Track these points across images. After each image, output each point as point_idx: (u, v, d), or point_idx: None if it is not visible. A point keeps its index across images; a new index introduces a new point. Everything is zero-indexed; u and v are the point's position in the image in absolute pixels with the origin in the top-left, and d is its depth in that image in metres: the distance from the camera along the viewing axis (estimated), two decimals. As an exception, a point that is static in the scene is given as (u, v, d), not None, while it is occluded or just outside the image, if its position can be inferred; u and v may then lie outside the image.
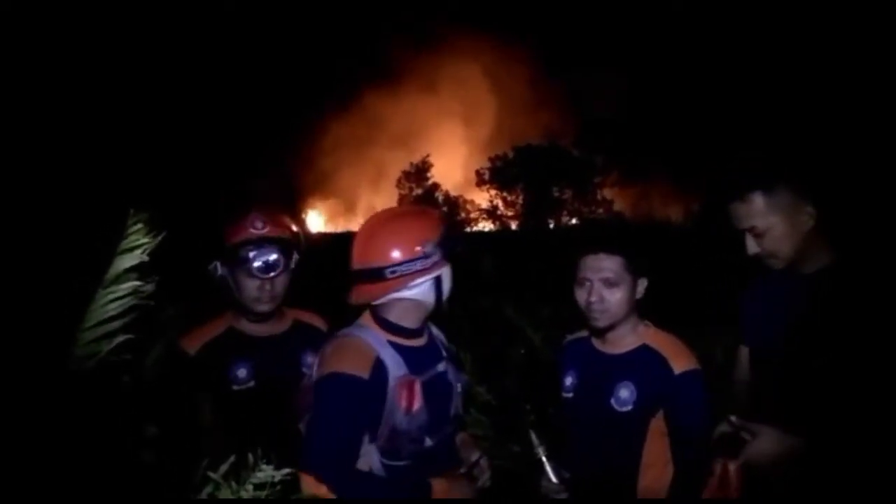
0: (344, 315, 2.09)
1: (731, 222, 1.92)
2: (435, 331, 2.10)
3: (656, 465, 2.06)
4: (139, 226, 1.42)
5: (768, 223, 1.83)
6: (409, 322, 1.93)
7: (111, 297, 1.36)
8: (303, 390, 1.93)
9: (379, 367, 1.82)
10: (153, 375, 2.22)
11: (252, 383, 2.15)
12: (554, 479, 2.02)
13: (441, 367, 1.97)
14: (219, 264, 2.17)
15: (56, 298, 1.35)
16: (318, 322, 2.38)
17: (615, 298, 2.04)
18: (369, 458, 1.82)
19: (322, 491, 1.68)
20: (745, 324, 2.12)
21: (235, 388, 2.14)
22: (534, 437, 2.06)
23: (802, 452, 1.72)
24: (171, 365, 2.15)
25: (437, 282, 1.90)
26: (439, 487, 1.83)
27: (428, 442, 1.88)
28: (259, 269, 2.11)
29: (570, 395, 2.19)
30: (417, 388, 1.84)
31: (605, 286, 2.03)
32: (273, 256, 2.12)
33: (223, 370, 2.14)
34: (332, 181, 40.33)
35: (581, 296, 2.09)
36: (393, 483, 1.84)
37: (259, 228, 2.14)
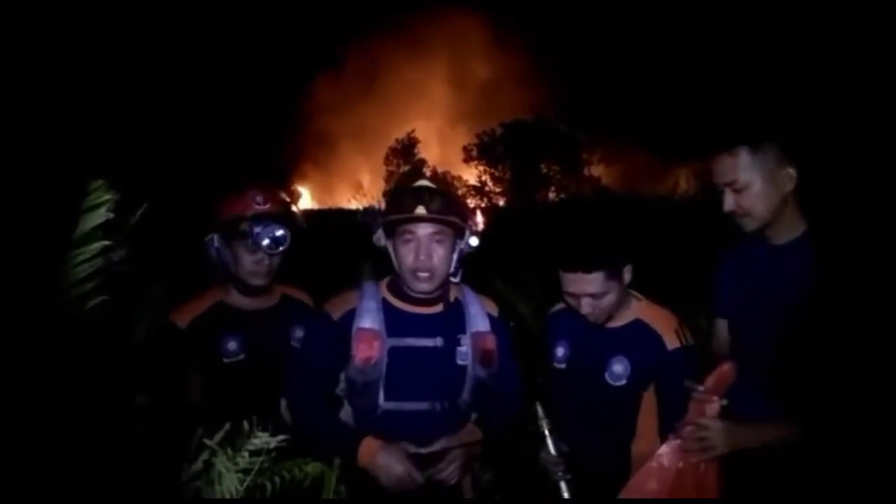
0: (330, 291, 2.13)
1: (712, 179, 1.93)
2: (477, 314, 2.07)
3: (648, 435, 2.11)
4: (100, 182, 1.41)
5: (749, 179, 1.85)
6: (405, 286, 1.98)
7: (81, 258, 1.35)
8: None
9: (349, 315, 1.95)
10: (142, 350, 2.22)
11: (242, 356, 2.18)
12: (553, 452, 2.04)
13: (434, 342, 1.96)
14: (216, 237, 2.18)
15: (26, 264, 1.33)
16: (304, 297, 2.41)
17: (606, 304, 2.06)
18: (347, 410, 1.98)
19: (288, 415, 1.92)
20: (721, 295, 2.14)
21: (226, 360, 2.17)
22: (539, 409, 2.07)
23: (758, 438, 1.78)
24: (162, 339, 2.16)
25: (395, 246, 1.98)
26: (368, 446, 1.84)
27: (384, 404, 1.90)
28: (268, 245, 2.14)
29: (563, 365, 2.20)
30: (377, 345, 1.90)
31: (594, 299, 2.04)
32: (280, 232, 2.16)
33: (213, 344, 2.16)
34: (318, 158, 40.01)
35: (571, 303, 2.09)
36: (337, 428, 1.93)
37: (262, 204, 2.18)
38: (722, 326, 2.14)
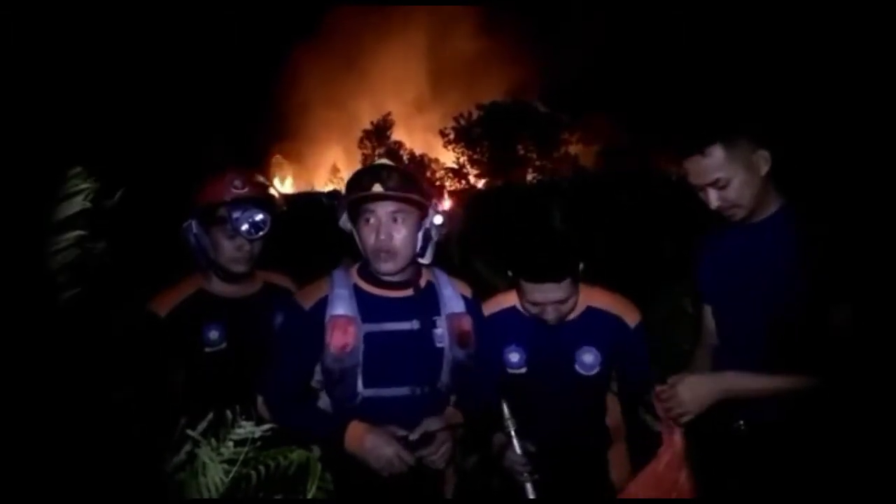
0: (310, 277, 2.09)
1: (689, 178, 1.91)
2: (451, 296, 2.05)
3: (612, 411, 2.21)
4: (78, 169, 1.37)
5: (730, 174, 1.83)
6: (372, 269, 1.96)
7: (55, 248, 1.31)
8: None
9: (322, 303, 1.92)
10: (121, 340, 2.18)
11: (224, 345, 2.14)
12: (519, 452, 2.01)
13: (410, 325, 1.94)
14: (194, 223, 2.13)
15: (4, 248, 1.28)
16: (287, 283, 2.36)
17: (569, 306, 2.06)
18: (325, 397, 1.96)
19: (266, 412, 1.86)
20: (704, 281, 2.14)
21: (208, 350, 2.13)
22: (505, 409, 2.06)
23: (725, 388, 1.80)
24: (142, 328, 2.10)
25: (357, 229, 1.95)
26: (354, 431, 1.83)
27: (362, 391, 1.89)
28: (247, 230, 2.10)
29: (522, 370, 2.15)
30: (352, 330, 1.87)
31: (561, 304, 2.02)
32: (259, 216, 2.12)
33: (195, 333, 2.12)
34: (293, 141, 39.54)
35: (532, 310, 2.06)
36: (320, 418, 1.92)
37: (240, 188, 2.12)
38: (708, 312, 2.16)
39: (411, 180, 1.93)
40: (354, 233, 1.96)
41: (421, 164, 35.68)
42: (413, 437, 1.86)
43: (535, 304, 2.03)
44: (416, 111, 41.26)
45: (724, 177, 1.84)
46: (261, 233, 2.12)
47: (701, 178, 1.87)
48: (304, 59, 39.56)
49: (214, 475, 1.24)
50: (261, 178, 2.26)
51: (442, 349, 1.97)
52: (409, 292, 1.98)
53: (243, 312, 2.19)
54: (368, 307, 1.93)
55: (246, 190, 2.13)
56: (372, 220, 1.89)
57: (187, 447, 1.29)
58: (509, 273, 2.07)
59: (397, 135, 38.18)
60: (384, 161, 1.98)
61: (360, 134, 38.42)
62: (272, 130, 36.21)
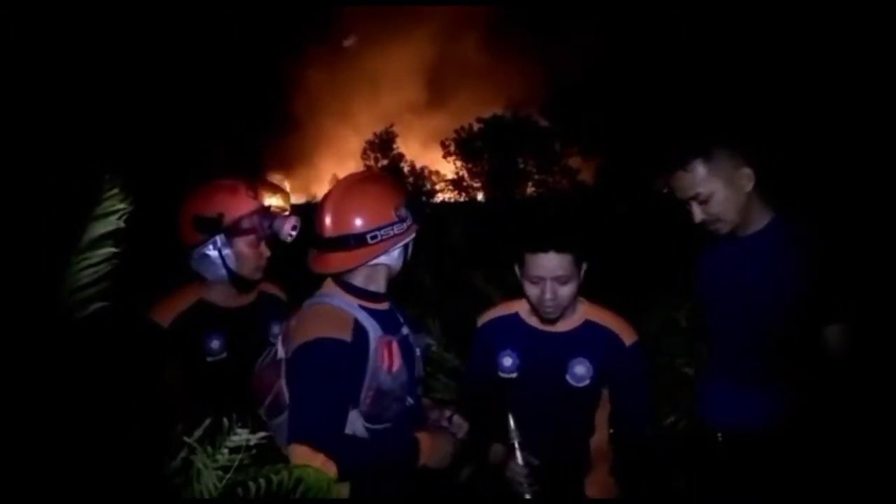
0: (306, 287, 2.10)
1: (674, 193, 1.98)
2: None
3: (601, 428, 2.21)
4: (115, 191, 1.40)
5: (711, 188, 1.91)
6: (376, 286, 1.92)
7: (85, 263, 1.34)
8: (260, 372, 1.90)
9: (359, 329, 1.82)
10: (124, 348, 2.19)
11: (224, 354, 2.16)
12: (521, 463, 2.05)
13: (405, 329, 1.98)
14: (219, 238, 2.13)
15: (30, 264, 1.33)
16: (278, 292, 2.40)
17: (568, 293, 2.06)
18: (353, 424, 1.80)
19: (318, 461, 1.65)
20: (699, 292, 2.19)
21: (209, 359, 2.15)
22: (511, 421, 2.08)
23: None
24: (144, 338, 2.10)
25: (406, 246, 1.91)
26: (426, 440, 1.84)
27: (409, 401, 1.90)
28: (286, 235, 2.15)
29: (514, 374, 2.19)
30: (395, 347, 1.85)
31: (559, 283, 2.03)
32: (293, 220, 2.17)
33: (197, 342, 2.14)
34: (293, 153, 39.68)
35: (533, 292, 2.08)
36: (384, 443, 1.84)
37: (258, 198, 2.18)
38: None
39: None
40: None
41: (421, 175, 35.82)
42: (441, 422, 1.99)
43: (536, 281, 2.04)
44: (417, 122, 41.42)
45: (705, 192, 1.91)
46: (296, 233, 2.17)
47: (684, 193, 1.95)
48: (305, 69, 39.76)
49: (208, 481, 1.25)
50: (272, 186, 2.32)
51: (417, 348, 2.04)
52: (387, 304, 1.98)
53: (242, 322, 2.22)
54: (382, 322, 1.91)
55: (262, 200, 2.19)
56: None
57: (183, 453, 1.30)
58: (515, 266, 2.11)
59: (398, 147, 38.28)
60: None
61: (362, 145, 38.55)
62: (272, 140, 36.32)
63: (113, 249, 1.38)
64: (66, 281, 1.33)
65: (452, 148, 36.39)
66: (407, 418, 1.90)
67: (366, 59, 43.18)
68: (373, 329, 1.84)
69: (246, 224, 2.12)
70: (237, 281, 2.20)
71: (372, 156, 37.81)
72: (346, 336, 1.79)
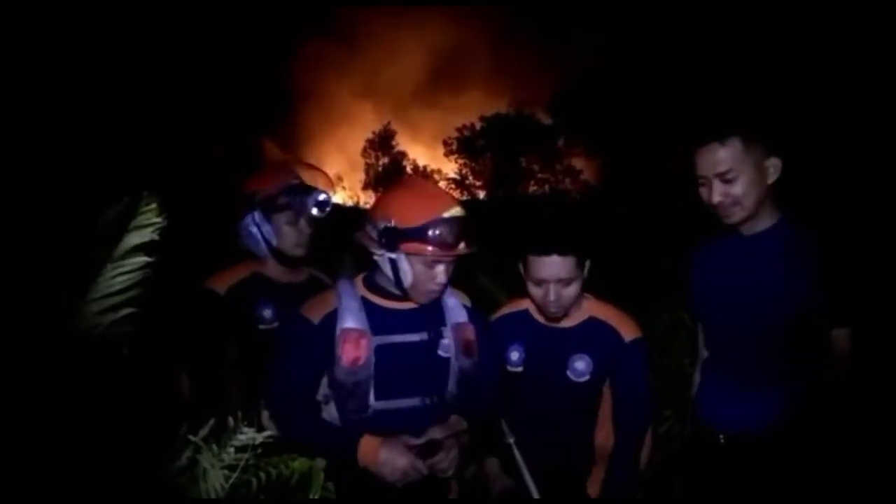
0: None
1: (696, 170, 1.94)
2: (455, 306, 2.05)
3: (604, 425, 2.23)
4: (153, 206, 1.48)
5: (741, 169, 1.86)
6: (387, 285, 1.96)
7: (118, 271, 1.41)
8: None
9: (331, 317, 1.91)
10: (177, 317, 2.26)
11: (276, 324, 2.25)
12: (519, 460, 2.09)
13: (418, 336, 1.95)
14: (256, 214, 2.25)
15: (63, 270, 1.36)
16: (326, 279, 2.49)
17: (571, 293, 2.08)
18: (330, 410, 1.93)
19: (273, 425, 1.80)
20: (694, 294, 2.16)
21: (261, 327, 2.24)
22: (505, 426, 2.13)
23: None
24: (202, 304, 2.22)
25: (395, 265, 1.89)
26: (368, 445, 1.82)
27: (374, 404, 1.89)
28: (317, 210, 2.25)
29: (520, 368, 2.22)
30: (364, 343, 1.88)
31: (562, 285, 2.05)
32: (322, 196, 2.25)
33: (250, 310, 2.24)
34: (294, 153, 39.63)
35: (537, 293, 2.11)
36: (330, 432, 1.90)
37: (297, 176, 2.27)
38: (703, 340, 2.19)
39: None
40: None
41: (423, 174, 35.79)
42: (419, 443, 1.86)
43: (539, 283, 2.07)
44: (419, 120, 41.38)
45: (735, 170, 1.86)
46: (327, 209, 2.26)
47: (712, 168, 1.89)
48: (306, 66, 39.73)
49: (214, 481, 1.25)
50: (312, 165, 2.42)
51: (448, 359, 1.98)
52: (415, 304, 1.99)
53: (293, 295, 2.25)
54: (377, 319, 1.93)
55: (298, 179, 2.26)
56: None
57: (189, 452, 1.30)
58: (520, 265, 2.13)
59: (399, 144, 38.23)
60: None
61: (363, 143, 38.50)
62: (272, 140, 36.29)
63: (146, 259, 1.45)
64: (96, 289, 1.38)
65: (455, 146, 36.34)
66: (390, 423, 1.89)
67: (369, 57, 43.16)
68: (350, 321, 1.89)
69: (281, 200, 2.23)
70: (278, 256, 2.31)
71: (372, 154, 37.76)
72: (315, 318, 1.91)
